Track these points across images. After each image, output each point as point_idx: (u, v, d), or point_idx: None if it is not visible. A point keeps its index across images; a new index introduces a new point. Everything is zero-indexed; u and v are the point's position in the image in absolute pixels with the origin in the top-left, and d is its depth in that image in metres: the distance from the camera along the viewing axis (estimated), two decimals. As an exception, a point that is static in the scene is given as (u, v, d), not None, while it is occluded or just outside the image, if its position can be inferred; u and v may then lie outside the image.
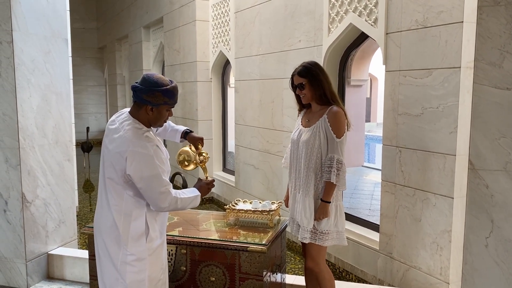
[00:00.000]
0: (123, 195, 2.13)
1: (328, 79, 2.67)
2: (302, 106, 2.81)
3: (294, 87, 2.73)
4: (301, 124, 2.77)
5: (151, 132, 2.19)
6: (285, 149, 5.05)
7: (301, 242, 2.80)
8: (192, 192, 2.31)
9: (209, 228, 2.99)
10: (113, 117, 2.25)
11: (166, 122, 2.27)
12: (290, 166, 2.82)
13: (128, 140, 2.07)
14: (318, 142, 2.60)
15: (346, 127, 2.62)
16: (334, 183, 2.56)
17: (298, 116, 2.88)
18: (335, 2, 4.13)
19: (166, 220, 2.36)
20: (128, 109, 2.23)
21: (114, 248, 2.17)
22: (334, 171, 2.55)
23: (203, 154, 2.55)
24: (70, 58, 4.82)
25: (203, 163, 2.55)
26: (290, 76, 2.74)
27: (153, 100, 2.09)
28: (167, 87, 2.10)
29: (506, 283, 1.66)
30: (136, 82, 2.14)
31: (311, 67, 2.66)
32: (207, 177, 2.49)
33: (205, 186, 2.40)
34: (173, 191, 2.17)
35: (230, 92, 7.04)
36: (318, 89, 2.63)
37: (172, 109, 2.23)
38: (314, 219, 2.62)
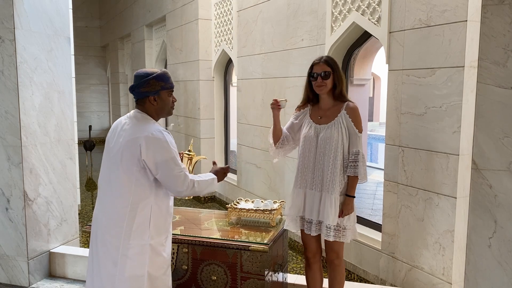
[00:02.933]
0: (132, 187, 2.15)
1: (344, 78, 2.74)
2: (308, 101, 2.77)
3: (313, 76, 2.67)
4: (312, 121, 2.73)
5: (159, 125, 2.25)
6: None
7: (308, 242, 2.78)
8: (208, 176, 2.36)
9: (211, 227, 2.98)
10: (116, 121, 2.32)
11: (173, 108, 2.32)
12: (303, 164, 2.73)
13: (141, 127, 2.16)
14: (341, 139, 2.63)
15: None
16: (359, 176, 2.63)
17: (297, 112, 2.84)
18: (338, 0, 4.11)
19: (170, 220, 2.34)
20: (129, 113, 2.31)
21: (115, 242, 2.17)
22: (360, 165, 2.62)
23: (189, 154, 2.69)
24: (73, 57, 4.83)
25: (191, 161, 2.71)
26: (311, 65, 2.69)
27: (151, 89, 2.19)
28: (158, 72, 2.21)
29: (509, 283, 1.65)
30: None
31: (334, 60, 2.70)
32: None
33: (220, 171, 2.48)
34: (190, 175, 2.23)
35: (233, 91, 7.04)
36: (339, 84, 2.67)
37: (175, 100, 2.32)
38: (342, 215, 2.63)
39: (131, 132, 2.16)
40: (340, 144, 2.62)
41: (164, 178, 2.16)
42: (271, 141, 2.89)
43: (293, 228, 2.76)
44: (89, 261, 2.30)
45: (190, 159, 2.73)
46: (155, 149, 2.11)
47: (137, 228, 2.15)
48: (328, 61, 2.66)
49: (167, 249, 2.31)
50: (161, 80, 2.20)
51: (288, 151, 2.90)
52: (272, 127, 2.88)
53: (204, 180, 2.30)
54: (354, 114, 2.64)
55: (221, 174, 2.46)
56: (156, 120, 2.27)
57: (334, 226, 2.61)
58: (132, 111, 2.29)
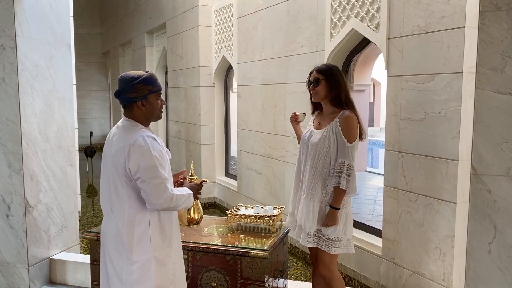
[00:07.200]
0: (126, 200, 2.08)
1: (346, 84, 2.68)
2: (315, 107, 2.80)
3: (309, 83, 2.71)
4: (313, 126, 2.75)
5: (150, 131, 2.16)
6: (288, 154, 5.06)
7: (309, 248, 2.79)
8: (185, 190, 2.21)
9: (211, 233, 2.98)
10: (109, 132, 2.25)
11: (162, 111, 2.22)
12: (297, 166, 2.79)
13: (127, 136, 2.07)
14: (328, 146, 2.58)
15: (358, 132, 2.60)
16: (344, 189, 2.53)
17: (312, 115, 2.87)
18: (337, 7, 4.13)
19: (175, 227, 2.25)
20: (119, 122, 2.24)
21: (118, 259, 2.11)
22: (344, 176, 2.51)
23: (191, 178, 2.67)
24: (74, 63, 4.84)
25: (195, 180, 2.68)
26: (309, 73, 2.73)
27: (138, 94, 2.08)
28: (144, 76, 2.10)
29: (509, 289, 1.65)
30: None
31: (332, 67, 2.68)
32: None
33: (195, 187, 2.34)
34: (170, 187, 2.09)
35: (233, 97, 7.06)
36: (334, 90, 2.61)
37: (164, 104, 2.22)
38: (322, 225, 2.60)
39: (117, 143, 2.08)
40: (324, 152, 2.58)
41: (143, 186, 2.02)
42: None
43: (293, 234, 2.77)
44: (101, 272, 2.23)
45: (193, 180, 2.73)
46: (136, 156, 2.01)
47: (138, 242, 2.08)
48: (320, 69, 2.66)
49: (173, 258, 2.21)
50: (149, 84, 2.09)
51: None
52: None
53: (182, 194, 2.13)
54: (345, 123, 2.55)
55: (195, 190, 2.31)
56: (146, 125, 2.16)
57: (313, 232, 2.61)
58: (121, 120, 2.20)
